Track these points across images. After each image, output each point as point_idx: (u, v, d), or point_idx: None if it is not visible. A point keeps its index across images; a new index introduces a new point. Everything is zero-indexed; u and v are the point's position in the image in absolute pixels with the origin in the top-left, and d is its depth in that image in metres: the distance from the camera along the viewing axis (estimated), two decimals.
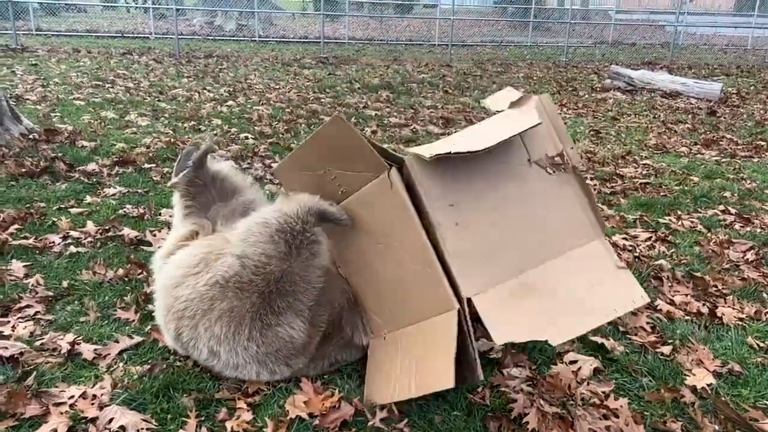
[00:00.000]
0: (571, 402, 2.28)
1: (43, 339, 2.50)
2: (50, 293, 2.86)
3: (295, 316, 2.20)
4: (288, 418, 2.11)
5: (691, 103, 9.66)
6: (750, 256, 3.73)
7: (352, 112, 7.85)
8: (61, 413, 2.08)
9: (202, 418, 2.12)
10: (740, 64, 16.14)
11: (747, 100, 10.29)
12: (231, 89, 9.10)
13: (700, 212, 4.58)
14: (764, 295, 3.23)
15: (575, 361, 2.53)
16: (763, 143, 6.99)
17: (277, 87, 9.56)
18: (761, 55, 18.55)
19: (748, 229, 4.24)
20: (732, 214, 4.52)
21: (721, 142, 7.01)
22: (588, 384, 2.39)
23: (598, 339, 2.68)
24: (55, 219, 3.70)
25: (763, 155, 6.46)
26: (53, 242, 3.40)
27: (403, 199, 2.09)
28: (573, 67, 14.47)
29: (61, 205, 3.95)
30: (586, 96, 10.21)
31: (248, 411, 2.16)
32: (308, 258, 2.20)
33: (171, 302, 2.23)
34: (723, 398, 2.35)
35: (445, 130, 6.89)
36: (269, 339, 2.17)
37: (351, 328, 2.37)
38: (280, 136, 6.30)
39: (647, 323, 2.88)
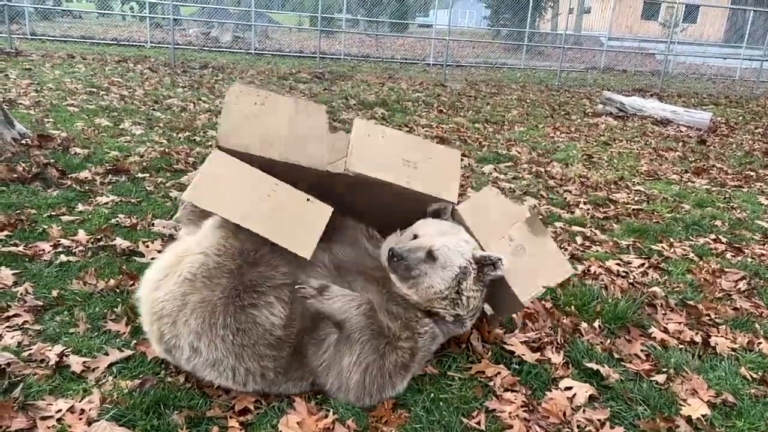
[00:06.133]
0: (567, 429, 2.26)
1: (31, 350, 2.44)
2: (39, 303, 2.80)
3: (273, 294, 2.22)
4: None
5: (681, 131, 9.79)
6: (742, 285, 3.76)
7: (347, 128, 7.85)
8: (48, 427, 2.03)
9: None
10: (728, 94, 16.43)
11: (736, 130, 10.45)
12: None
13: (692, 240, 4.61)
14: (756, 325, 3.25)
15: (570, 388, 2.52)
16: (752, 173, 7.08)
17: None
18: (749, 86, 18.89)
19: (740, 258, 4.28)
20: (723, 243, 4.56)
21: (711, 171, 7.10)
22: (584, 411, 2.37)
23: (594, 365, 2.67)
24: (45, 226, 3.64)
25: (752, 185, 6.54)
26: (43, 250, 3.34)
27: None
28: (565, 91, 14.64)
29: (52, 213, 3.90)
30: (579, 120, 10.31)
31: (240, 430, 2.12)
32: None
33: (150, 306, 2.27)
34: (717, 429, 2.34)
35: None
36: (244, 325, 2.17)
37: (312, 349, 2.30)
38: None
39: (642, 351, 2.88)
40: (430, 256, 2.34)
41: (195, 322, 2.17)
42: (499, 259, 2.39)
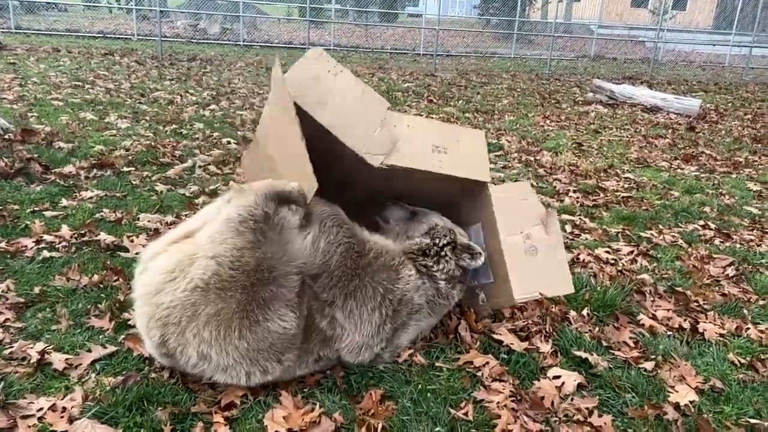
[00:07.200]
0: (555, 418, 2.25)
1: (12, 347, 2.40)
2: (21, 299, 2.75)
3: (284, 306, 2.16)
4: None
5: (671, 119, 9.80)
6: (730, 271, 3.76)
7: None
8: (29, 426, 2.00)
9: None
10: (718, 81, 16.45)
11: (725, 116, 10.47)
12: (214, 93, 9.00)
13: (681, 227, 4.61)
14: (744, 311, 3.25)
15: (558, 377, 2.51)
16: (741, 159, 7.10)
17: (261, 92, 9.49)
18: (738, 72, 18.93)
19: (728, 244, 4.28)
20: (712, 230, 4.57)
21: (700, 158, 7.11)
22: (572, 400, 2.36)
23: (582, 354, 2.66)
24: (28, 222, 3.58)
25: (741, 171, 6.55)
26: (26, 246, 3.29)
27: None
28: (556, 80, 14.61)
29: (35, 208, 3.84)
30: (569, 108, 10.30)
31: (225, 425, 2.09)
32: (279, 241, 2.20)
33: (152, 310, 2.14)
34: (705, 415, 2.34)
35: None
36: (260, 335, 2.11)
37: (319, 316, 2.30)
38: None
39: (630, 338, 2.87)
40: (412, 214, 2.74)
41: (208, 333, 2.08)
42: (480, 253, 2.58)
